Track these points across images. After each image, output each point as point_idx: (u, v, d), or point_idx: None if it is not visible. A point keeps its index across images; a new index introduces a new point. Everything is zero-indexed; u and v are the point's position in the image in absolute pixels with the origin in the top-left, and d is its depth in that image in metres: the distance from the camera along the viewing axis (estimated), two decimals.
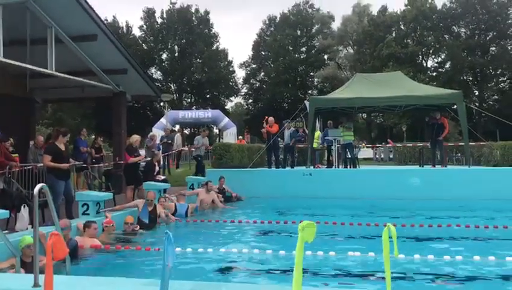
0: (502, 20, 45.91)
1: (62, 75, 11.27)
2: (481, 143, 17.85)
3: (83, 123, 40.64)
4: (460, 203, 11.20)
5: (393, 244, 2.49)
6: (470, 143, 16.29)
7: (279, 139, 15.98)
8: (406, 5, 50.02)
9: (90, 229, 6.96)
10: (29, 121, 15.38)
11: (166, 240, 2.45)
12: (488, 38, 47.35)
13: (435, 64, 50.75)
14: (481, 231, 7.94)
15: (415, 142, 24.40)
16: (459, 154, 18.75)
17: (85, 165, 12.49)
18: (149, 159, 12.37)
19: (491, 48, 47.72)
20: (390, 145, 26.37)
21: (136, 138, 11.23)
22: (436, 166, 14.90)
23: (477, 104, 42.97)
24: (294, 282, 2.03)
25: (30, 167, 10.55)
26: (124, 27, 52.44)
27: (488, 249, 6.49)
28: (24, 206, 7.54)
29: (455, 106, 15.17)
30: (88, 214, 7.87)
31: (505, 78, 47.63)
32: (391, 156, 25.54)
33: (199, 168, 15.51)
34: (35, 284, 3.41)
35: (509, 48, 46.75)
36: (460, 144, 17.19)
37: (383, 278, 2.52)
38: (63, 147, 8.67)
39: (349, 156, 15.93)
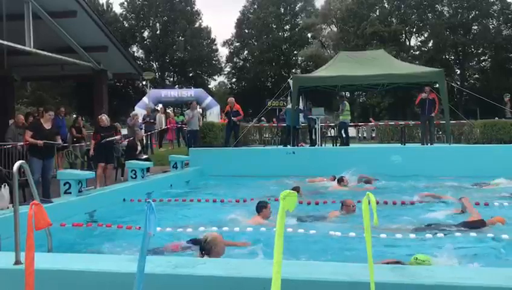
0: None
1: (40, 52, 11.06)
2: (462, 121, 18.10)
3: (63, 102, 39.98)
4: (440, 180, 11.36)
5: (372, 213, 2.51)
6: (451, 121, 16.51)
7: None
8: None
9: (266, 210, 6.79)
10: (8, 100, 15.13)
11: (148, 209, 2.42)
12: (470, 17, 47.56)
13: (418, 43, 50.98)
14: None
15: (397, 121, 24.59)
16: (440, 133, 18.97)
17: (66, 144, 12.37)
18: (131, 138, 12.28)
19: (473, 27, 47.98)
20: (372, 123, 26.54)
21: (101, 117, 11.00)
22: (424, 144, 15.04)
23: (458, 82, 43.32)
24: (275, 251, 2.02)
25: (9, 146, 10.41)
26: (104, 4, 51.35)
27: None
28: (4, 185, 7.44)
29: (437, 84, 15.29)
30: (70, 193, 7.78)
31: (486, 57, 48.08)
32: (373, 135, 25.72)
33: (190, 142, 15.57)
34: (17, 262, 3.39)
35: (490, 27, 47.07)
36: (441, 122, 17.37)
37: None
38: (47, 126, 8.56)
39: (344, 135, 16.39)
